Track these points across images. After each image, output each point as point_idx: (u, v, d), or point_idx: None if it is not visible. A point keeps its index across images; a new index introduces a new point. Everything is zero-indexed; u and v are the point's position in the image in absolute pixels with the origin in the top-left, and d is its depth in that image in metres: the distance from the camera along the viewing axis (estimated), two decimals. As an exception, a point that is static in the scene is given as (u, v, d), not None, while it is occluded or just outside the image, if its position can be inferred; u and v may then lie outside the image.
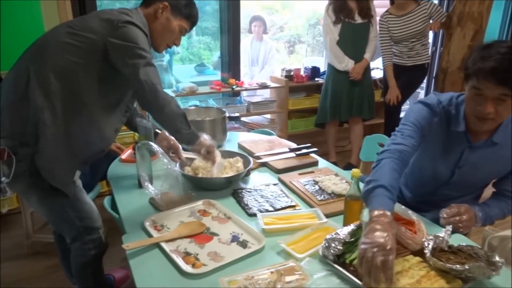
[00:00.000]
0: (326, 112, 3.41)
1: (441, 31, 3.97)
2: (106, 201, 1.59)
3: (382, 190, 1.11)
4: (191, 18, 1.57)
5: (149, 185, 1.46)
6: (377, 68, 4.01)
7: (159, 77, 1.41)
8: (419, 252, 1.10)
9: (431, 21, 3.21)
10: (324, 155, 3.53)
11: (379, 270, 0.93)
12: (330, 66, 3.34)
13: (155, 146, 1.44)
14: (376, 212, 1.04)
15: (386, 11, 3.26)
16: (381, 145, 2.22)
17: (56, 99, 1.32)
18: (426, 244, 1.08)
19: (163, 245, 1.19)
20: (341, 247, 1.07)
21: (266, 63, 4.12)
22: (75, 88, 1.35)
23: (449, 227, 1.14)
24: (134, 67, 1.33)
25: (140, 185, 1.55)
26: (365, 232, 1.01)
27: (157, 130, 1.69)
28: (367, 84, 3.35)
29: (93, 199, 2.19)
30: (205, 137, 1.56)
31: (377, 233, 0.98)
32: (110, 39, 1.33)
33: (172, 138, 1.65)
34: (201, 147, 1.54)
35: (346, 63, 3.20)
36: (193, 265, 1.11)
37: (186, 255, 1.16)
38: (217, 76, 3.89)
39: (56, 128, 1.33)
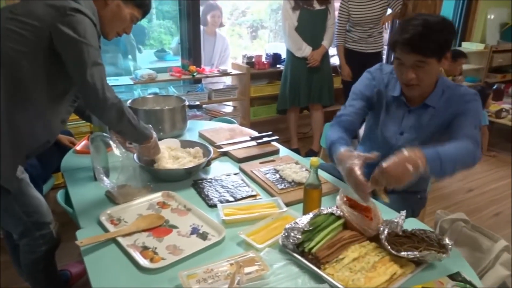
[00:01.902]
0: (286, 98, 3.43)
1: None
2: (60, 195, 1.52)
3: (335, 144, 1.39)
4: (143, 7, 1.51)
5: (104, 178, 1.41)
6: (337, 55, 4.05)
7: (105, 76, 1.33)
8: (375, 238, 1.13)
9: (389, 10, 3.28)
10: (286, 142, 3.56)
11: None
12: (289, 52, 3.34)
13: (109, 137, 1.38)
14: (344, 148, 1.33)
15: None
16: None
17: None
18: (381, 229, 1.12)
19: (120, 239, 1.15)
20: (300, 236, 1.08)
21: (221, 63, 3.83)
22: (18, 77, 1.26)
23: (403, 213, 1.17)
24: (80, 65, 1.26)
25: (95, 178, 1.49)
26: (353, 159, 1.24)
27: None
28: (326, 71, 3.39)
29: (46, 192, 2.10)
30: (155, 137, 1.51)
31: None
32: (56, 27, 1.24)
33: None
34: (144, 150, 1.50)
35: (304, 49, 3.21)
36: (151, 260, 1.08)
37: (143, 249, 1.13)
38: (178, 62, 3.79)
39: None
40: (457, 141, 1.33)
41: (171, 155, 1.61)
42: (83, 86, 1.29)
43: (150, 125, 1.51)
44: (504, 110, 3.96)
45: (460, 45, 5.22)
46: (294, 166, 1.64)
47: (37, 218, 1.42)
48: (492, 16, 5.35)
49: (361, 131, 1.82)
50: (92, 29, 1.30)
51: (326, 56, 3.34)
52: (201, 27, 3.60)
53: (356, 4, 3.26)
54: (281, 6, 3.29)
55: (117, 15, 1.45)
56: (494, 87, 4.45)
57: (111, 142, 1.37)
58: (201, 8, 3.58)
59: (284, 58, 3.79)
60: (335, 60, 3.96)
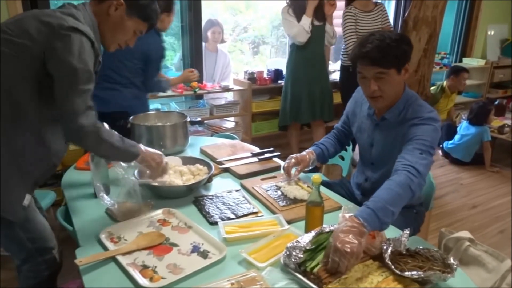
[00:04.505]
0: (286, 114, 3.42)
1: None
2: (59, 212, 1.51)
3: (314, 145, 1.80)
4: (149, 20, 1.44)
5: (104, 196, 1.40)
6: (338, 71, 4.07)
7: (89, 102, 1.24)
8: (379, 257, 1.11)
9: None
10: (288, 157, 3.54)
11: None
12: (288, 69, 3.34)
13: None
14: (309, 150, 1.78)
15: (350, 5, 3.31)
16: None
17: None
18: (384, 248, 1.10)
19: (120, 258, 1.14)
20: (302, 255, 1.07)
21: (223, 79, 3.81)
22: (13, 100, 1.21)
23: (407, 231, 1.16)
24: (65, 90, 1.20)
25: (96, 195, 1.48)
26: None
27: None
28: (326, 86, 3.40)
29: (46, 208, 2.08)
30: (144, 151, 1.42)
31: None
32: (50, 48, 1.19)
33: None
34: (142, 162, 1.43)
35: (304, 23, 3.09)
36: (151, 279, 1.07)
37: (143, 268, 1.11)
38: (179, 78, 3.81)
39: None
40: (393, 176, 1.28)
41: (177, 170, 1.62)
42: (62, 111, 1.22)
43: (135, 142, 1.43)
44: (506, 125, 3.95)
45: (461, 61, 5.25)
46: (296, 183, 1.63)
47: (41, 243, 1.38)
48: (492, 32, 5.39)
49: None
50: (88, 48, 1.24)
51: (325, 72, 3.35)
52: (203, 43, 3.62)
53: (363, 16, 3.28)
54: (281, 16, 3.26)
55: (119, 27, 1.38)
56: (496, 102, 4.45)
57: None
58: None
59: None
60: (335, 76, 3.98)
